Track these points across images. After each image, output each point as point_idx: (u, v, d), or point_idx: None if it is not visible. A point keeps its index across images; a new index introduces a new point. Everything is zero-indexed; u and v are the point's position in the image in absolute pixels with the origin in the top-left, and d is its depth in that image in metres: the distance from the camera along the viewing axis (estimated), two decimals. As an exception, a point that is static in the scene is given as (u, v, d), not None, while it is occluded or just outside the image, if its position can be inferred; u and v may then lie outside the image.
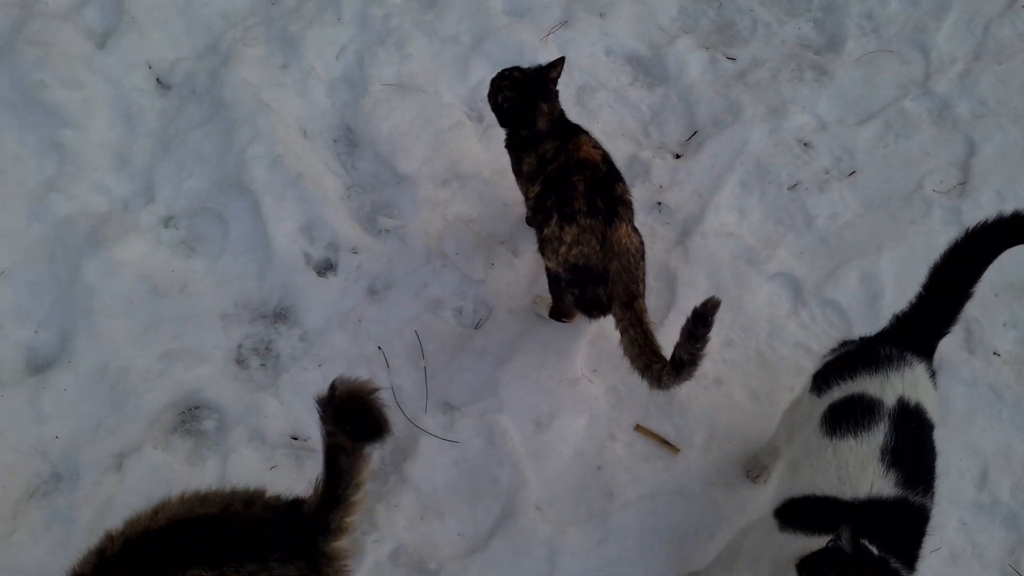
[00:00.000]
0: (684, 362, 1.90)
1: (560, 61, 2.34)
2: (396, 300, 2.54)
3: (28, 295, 2.44)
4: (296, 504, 1.73)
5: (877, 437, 1.73)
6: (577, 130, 2.33)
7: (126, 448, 2.24)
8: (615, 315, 2.12)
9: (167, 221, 2.62)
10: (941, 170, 2.86)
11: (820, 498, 1.73)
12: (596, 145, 2.28)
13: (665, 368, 1.97)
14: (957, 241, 1.89)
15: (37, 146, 2.62)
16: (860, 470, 1.70)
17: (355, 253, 2.60)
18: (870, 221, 2.75)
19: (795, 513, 1.77)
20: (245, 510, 1.70)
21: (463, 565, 2.16)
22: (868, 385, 1.81)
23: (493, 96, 2.39)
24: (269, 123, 2.69)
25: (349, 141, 2.82)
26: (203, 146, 2.68)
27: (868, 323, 2.52)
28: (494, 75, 2.40)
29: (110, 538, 1.60)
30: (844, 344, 2.07)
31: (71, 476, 2.19)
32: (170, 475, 2.17)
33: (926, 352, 1.89)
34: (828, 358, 2.04)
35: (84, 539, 1.69)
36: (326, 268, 2.60)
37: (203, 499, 1.68)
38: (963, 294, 1.87)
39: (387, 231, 2.67)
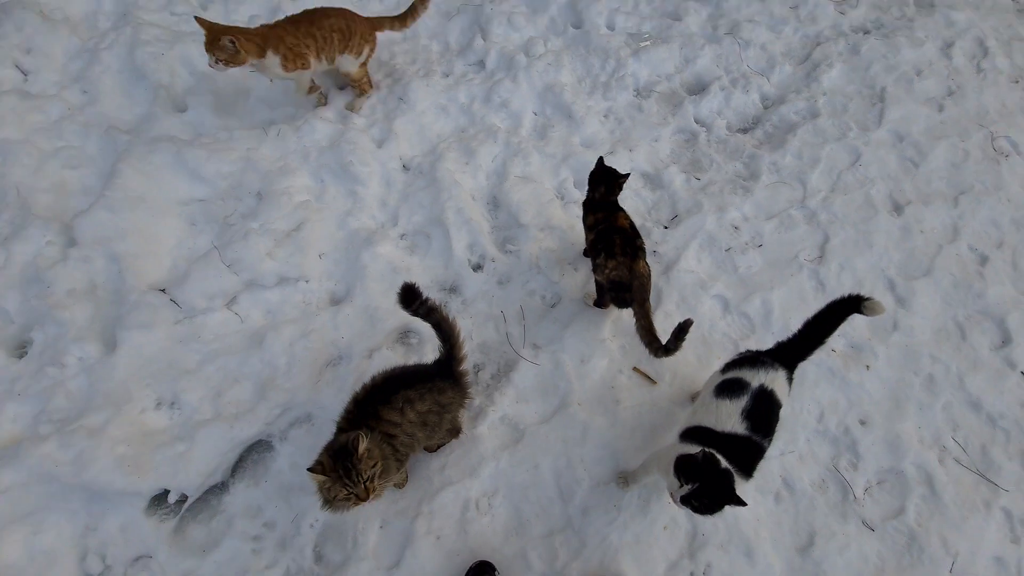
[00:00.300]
0: (670, 348, 1.80)
1: (627, 175, 2.16)
2: (512, 288, 2.46)
3: (333, 266, 2.43)
4: (436, 360, 1.73)
5: (741, 402, 1.61)
6: (619, 207, 2.18)
7: (373, 347, 2.22)
8: (634, 310, 1.99)
9: (402, 236, 2.57)
10: (809, 249, 2.63)
11: (704, 428, 1.63)
12: (626, 217, 2.13)
13: (660, 348, 1.85)
14: (821, 309, 1.72)
15: (344, 193, 2.60)
16: (728, 417, 1.61)
17: (493, 261, 2.51)
18: (768, 273, 2.54)
19: (690, 434, 1.68)
20: (414, 366, 1.70)
21: (537, 429, 2.09)
22: (746, 375, 1.68)
23: (593, 169, 2.18)
24: (457, 191, 2.61)
25: (494, 204, 2.72)
26: (423, 199, 2.63)
27: (764, 327, 2.34)
28: (599, 157, 2.20)
29: (355, 392, 1.60)
30: (746, 351, 1.90)
31: (347, 358, 2.19)
32: (394, 364, 2.14)
33: (790, 366, 1.72)
34: (734, 356, 1.89)
35: (350, 391, 1.66)
36: (477, 268, 2.52)
37: (389, 369, 1.66)
38: (821, 339, 1.72)
39: (510, 251, 2.57)
